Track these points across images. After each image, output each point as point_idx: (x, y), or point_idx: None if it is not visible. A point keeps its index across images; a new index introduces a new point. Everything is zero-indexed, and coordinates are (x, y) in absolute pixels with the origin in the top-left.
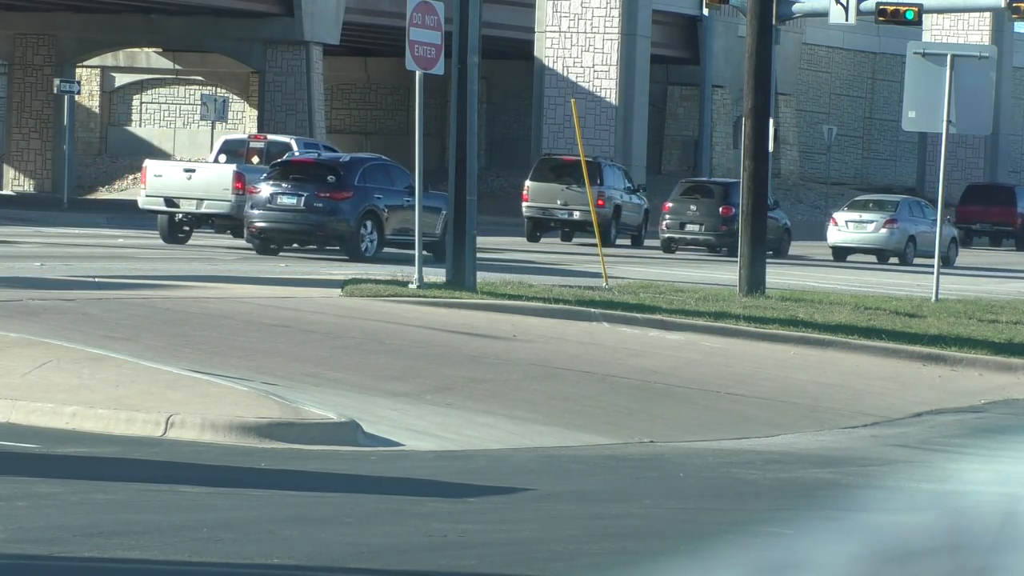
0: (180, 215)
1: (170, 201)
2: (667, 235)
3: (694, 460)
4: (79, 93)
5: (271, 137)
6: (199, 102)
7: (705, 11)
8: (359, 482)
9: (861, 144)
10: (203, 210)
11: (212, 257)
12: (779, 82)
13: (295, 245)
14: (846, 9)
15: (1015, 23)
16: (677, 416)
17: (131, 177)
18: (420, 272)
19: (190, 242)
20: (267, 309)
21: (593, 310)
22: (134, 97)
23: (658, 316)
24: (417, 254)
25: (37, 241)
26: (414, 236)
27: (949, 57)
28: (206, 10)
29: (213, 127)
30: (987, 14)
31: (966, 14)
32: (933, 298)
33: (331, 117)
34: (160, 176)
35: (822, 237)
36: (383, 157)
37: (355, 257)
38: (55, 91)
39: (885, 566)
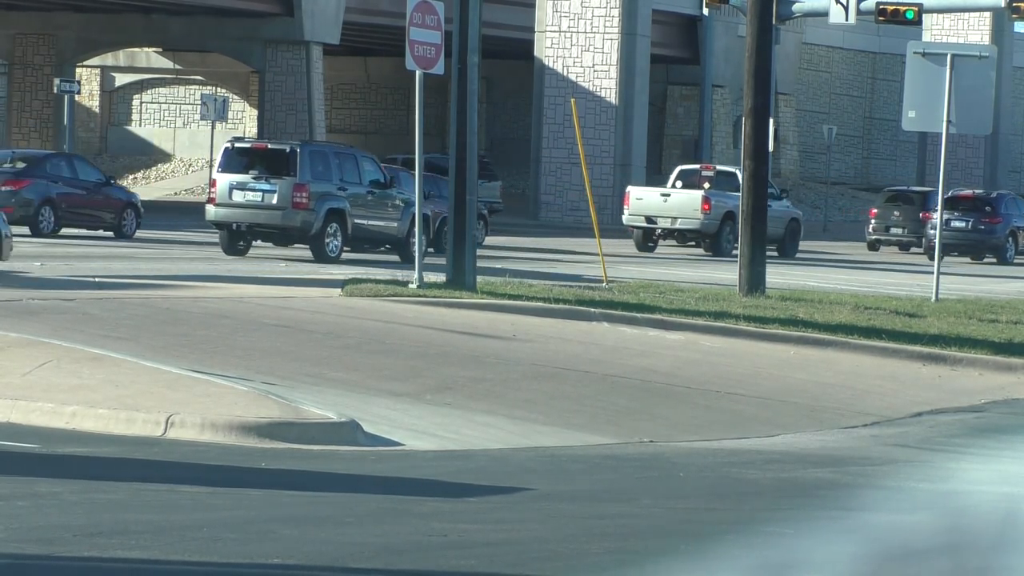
0: (658, 231)
1: (649, 219)
2: (873, 237)
3: (694, 460)
4: (79, 93)
5: (719, 167)
6: (199, 102)
7: (705, 11)
8: (359, 482)
9: (861, 144)
10: (677, 226)
11: (212, 257)
12: (779, 82)
13: None
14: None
15: (1015, 23)
16: (677, 416)
17: (131, 177)
18: (420, 272)
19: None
20: (267, 309)
21: (593, 310)
22: (134, 97)
23: (658, 316)
24: (417, 254)
25: (37, 241)
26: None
27: (949, 57)
28: (206, 10)
29: (213, 127)
30: (987, 14)
31: (966, 14)
32: (933, 298)
33: (331, 117)
34: (640, 199)
35: (822, 237)
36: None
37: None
38: (55, 91)
39: (885, 566)
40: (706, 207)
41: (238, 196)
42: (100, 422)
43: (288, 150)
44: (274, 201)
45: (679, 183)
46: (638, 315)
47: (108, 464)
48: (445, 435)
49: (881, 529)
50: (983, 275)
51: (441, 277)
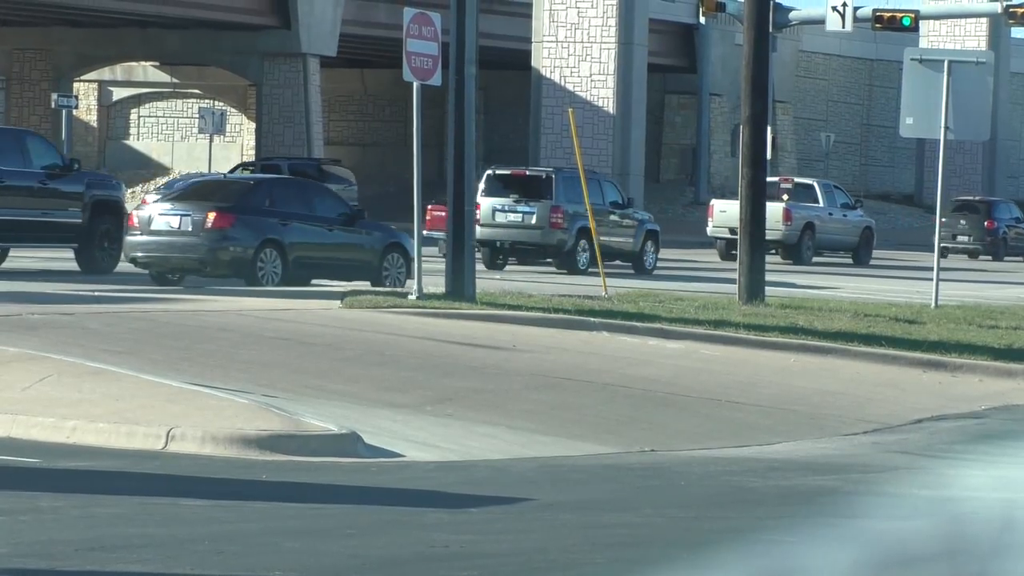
0: None
1: (732, 231)
2: (942, 244)
3: (695, 468)
4: (77, 108)
5: (797, 180)
6: (197, 115)
7: (702, 19)
8: (360, 494)
9: (859, 151)
10: None
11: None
12: (776, 89)
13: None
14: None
15: (1012, 28)
16: (678, 424)
17: (130, 191)
18: (420, 283)
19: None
20: (267, 322)
21: (593, 319)
22: (132, 111)
23: (658, 325)
24: (417, 264)
25: (36, 256)
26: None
27: (946, 63)
28: (203, 23)
29: (211, 140)
30: (984, 20)
31: (963, 20)
32: (932, 304)
33: (329, 129)
34: (724, 212)
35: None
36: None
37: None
38: (53, 106)
39: (887, 573)
40: (787, 219)
41: (500, 217)
42: (101, 436)
43: (545, 176)
44: (533, 221)
45: None
46: (638, 324)
47: (109, 478)
48: (446, 446)
49: (883, 536)
50: (982, 281)
51: (441, 288)
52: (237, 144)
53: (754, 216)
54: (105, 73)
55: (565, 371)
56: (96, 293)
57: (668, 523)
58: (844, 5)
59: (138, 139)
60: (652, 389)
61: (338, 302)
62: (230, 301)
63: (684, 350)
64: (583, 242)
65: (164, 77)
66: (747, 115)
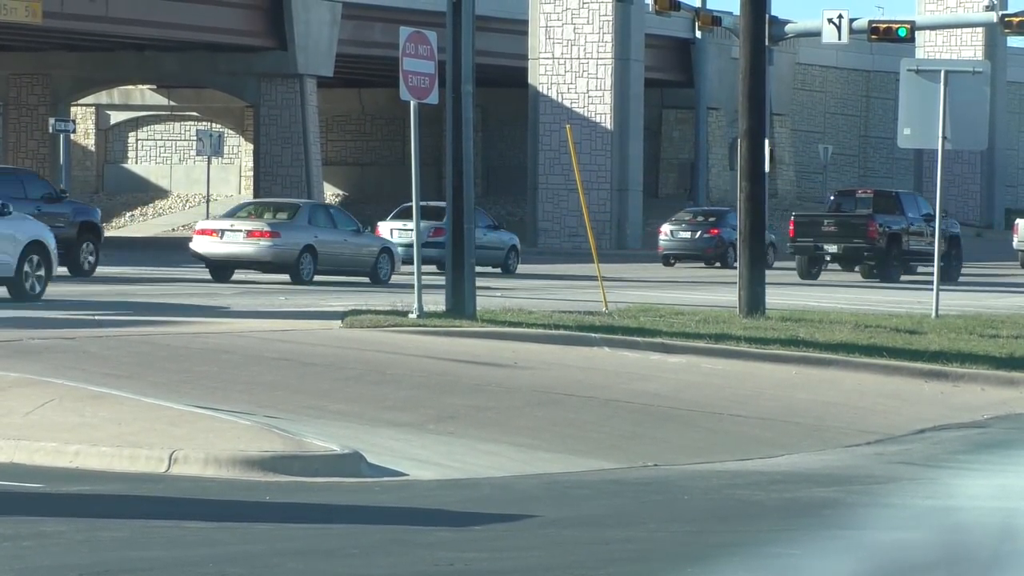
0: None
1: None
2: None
3: (698, 482)
4: (74, 132)
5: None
6: (194, 137)
7: (698, 34)
8: (363, 513)
9: (857, 162)
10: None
11: (214, 292)
12: (774, 102)
13: None
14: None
15: (1008, 38)
16: (680, 439)
17: (128, 214)
18: (420, 301)
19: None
20: (268, 343)
21: (594, 335)
22: (129, 134)
23: (659, 339)
24: (416, 284)
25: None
26: None
27: (943, 73)
28: (199, 45)
29: (209, 162)
30: (980, 29)
31: (959, 30)
32: (933, 314)
33: (327, 149)
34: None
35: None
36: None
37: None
38: (50, 130)
39: None
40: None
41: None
42: (103, 460)
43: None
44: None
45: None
46: (639, 339)
47: (112, 502)
48: (449, 464)
49: (885, 547)
50: (982, 290)
51: (441, 306)
52: (235, 165)
53: (753, 229)
54: (102, 97)
55: (567, 387)
56: (96, 317)
57: (671, 538)
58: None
59: (136, 162)
60: (654, 404)
61: (338, 322)
62: (230, 323)
63: (685, 364)
64: None
65: (161, 100)
66: (744, 128)
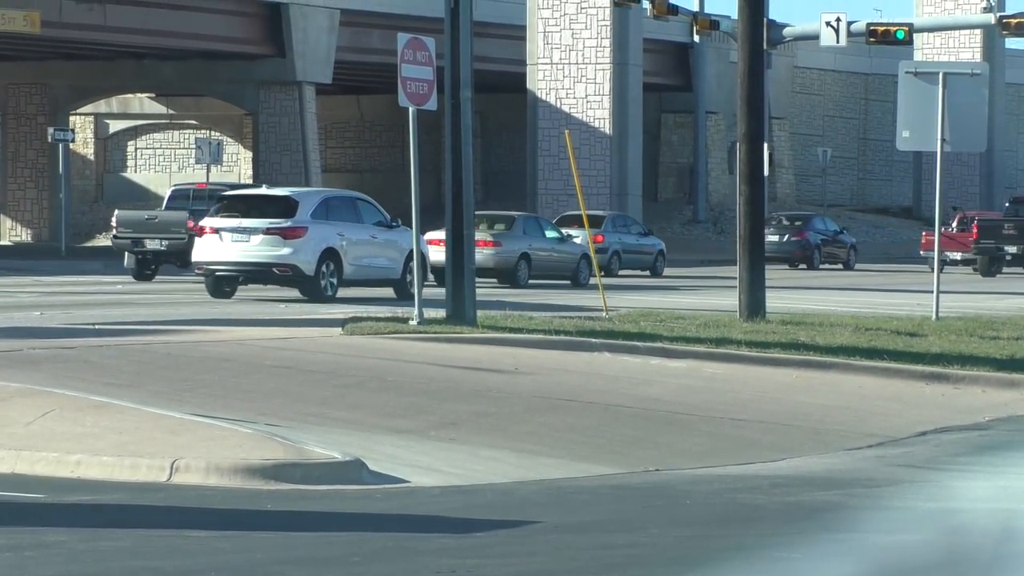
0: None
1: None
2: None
3: (700, 487)
4: (73, 141)
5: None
6: (193, 146)
7: (696, 38)
8: (365, 520)
9: (856, 165)
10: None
11: (212, 300)
12: (772, 106)
13: None
14: (837, 31)
15: (1006, 39)
16: (681, 443)
17: None
18: (420, 308)
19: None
20: (268, 351)
21: (594, 340)
22: (128, 143)
23: (659, 344)
24: (416, 291)
25: (36, 291)
26: None
27: (941, 75)
28: (198, 54)
29: (208, 171)
30: (978, 31)
31: (957, 32)
32: (934, 317)
33: (326, 156)
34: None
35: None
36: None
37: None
38: (49, 140)
39: None
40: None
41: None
42: (105, 469)
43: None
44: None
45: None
46: (639, 344)
47: (114, 511)
48: (450, 471)
49: (887, 550)
50: (982, 292)
51: (442, 312)
52: (234, 174)
53: (753, 233)
54: (101, 106)
55: (568, 393)
56: (96, 326)
57: (673, 542)
58: (838, 20)
59: (135, 171)
60: (655, 408)
61: (339, 329)
62: (231, 331)
63: (686, 369)
64: None
65: (160, 109)
66: (743, 132)
